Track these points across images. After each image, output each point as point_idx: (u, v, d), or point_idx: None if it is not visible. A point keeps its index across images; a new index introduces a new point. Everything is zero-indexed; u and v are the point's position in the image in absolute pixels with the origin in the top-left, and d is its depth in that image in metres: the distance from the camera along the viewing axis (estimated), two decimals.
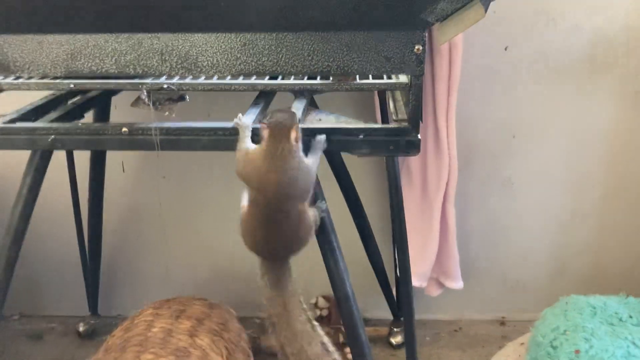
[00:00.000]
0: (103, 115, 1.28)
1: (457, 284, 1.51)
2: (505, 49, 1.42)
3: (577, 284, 1.62)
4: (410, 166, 1.43)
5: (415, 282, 1.46)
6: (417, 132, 0.82)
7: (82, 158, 1.47)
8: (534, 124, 1.48)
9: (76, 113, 1.01)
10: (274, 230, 0.83)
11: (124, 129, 0.85)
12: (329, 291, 1.67)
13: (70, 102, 1.03)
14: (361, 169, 1.52)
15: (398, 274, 1.50)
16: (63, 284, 1.70)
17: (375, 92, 1.34)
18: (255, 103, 0.98)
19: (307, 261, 1.62)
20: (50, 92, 1.07)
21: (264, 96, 1.03)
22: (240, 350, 1.34)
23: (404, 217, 1.02)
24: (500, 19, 1.39)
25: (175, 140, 0.84)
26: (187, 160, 1.55)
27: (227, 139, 0.85)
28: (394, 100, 0.97)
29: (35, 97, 1.03)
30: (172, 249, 1.65)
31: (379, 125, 0.84)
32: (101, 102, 1.20)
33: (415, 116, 0.82)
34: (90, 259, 1.54)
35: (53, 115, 0.96)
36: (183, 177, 1.58)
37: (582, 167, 1.52)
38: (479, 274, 1.64)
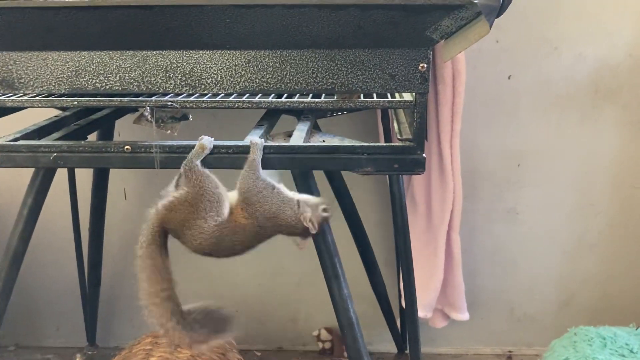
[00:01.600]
0: (107, 138, 1.28)
1: (462, 315, 1.48)
2: (509, 77, 1.43)
3: (585, 315, 1.58)
4: (414, 194, 1.42)
5: (420, 312, 1.42)
6: (422, 151, 0.81)
7: (84, 185, 1.47)
8: (538, 152, 1.48)
9: (79, 134, 1.00)
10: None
11: (127, 147, 0.84)
12: (332, 323, 1.65)
13: (74, 124, 1.03)
14: (364, 197, 1.51)
15: (403, 304, 1.47)
16: (61, 314, 1.67)
17: (379, 116, 1.34)
18: (258, 124, 0.98)
19: (309, 291, 1.61)
20: (54, 113, 1.07)
21: (268, 118, 1.03)
22: None
23: (409, 238, 1.01)
24: (503, 48, 1.40)
25: (178, 158, 0.83)
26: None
27: (229, 157, 0.84)
28: (399, 122, 0.96)
29: (39, 118, 1.03)
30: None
31: (383, 144, 0.83)
32: (105, 125, 1.20)
33: (420, 134, 0.81)
34: (89, 287, 1.52)
35: (56, 135, 0.96)
36: None
37: (588, 196, 1.50)
38: (484, 305, 1.61)
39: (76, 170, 1.43)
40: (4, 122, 1.03)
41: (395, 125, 0.94)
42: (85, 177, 1.46)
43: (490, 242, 1.56)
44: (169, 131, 0.85)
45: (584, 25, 1.39)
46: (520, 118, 1.46)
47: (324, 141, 0.97)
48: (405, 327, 1.55)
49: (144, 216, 1.55)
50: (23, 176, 1.31)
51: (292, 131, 1.00)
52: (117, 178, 1.51)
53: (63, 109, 1.08)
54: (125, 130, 1.44)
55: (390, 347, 1.60)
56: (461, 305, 1.47)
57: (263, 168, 0.85)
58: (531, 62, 1.41)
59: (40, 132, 0.97)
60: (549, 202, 1.51)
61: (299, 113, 1.05)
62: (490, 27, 0.70)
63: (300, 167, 0.86)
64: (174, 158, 0.83)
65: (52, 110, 1.09)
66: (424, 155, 0.81)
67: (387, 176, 1.35)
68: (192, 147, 0.84)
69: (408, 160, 0.82)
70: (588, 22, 1.38)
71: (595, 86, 1.42)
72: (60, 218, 1.53)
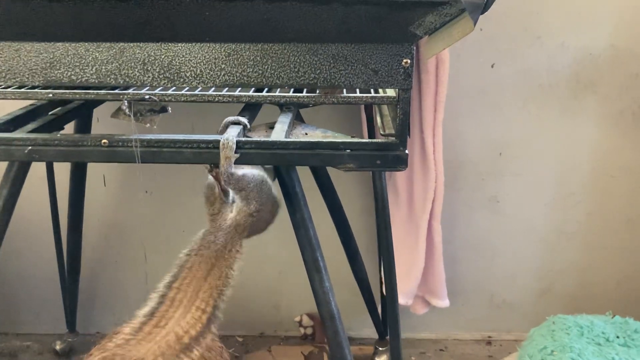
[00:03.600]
0: (84, 127, 1.25)
1: (443, 302, 1.49)
2: (492, 66, 1.42)
3: (563, 303, 1.61)
4: (396, 183, 1.42)
5: (401, 300, 1.44)
6: (405, 147, 0.81)
7: (63, 171, 1.44)
8: (520, 141, 1.48)
9: (56, 124, 0.98)
10: None
11: (104, 141, 0.82)
12: (314, 309, 1.66)
13: (50, 113, 1.00)
14: (347, 185, 1.51)
15: (384, 291, 1.48)
16: (39, 301, 1.65)
17: (362, 107, 1.33)
18: (240, 116, 0.96)
19: (291, 279, 1.61)
20: (30, 102, 1.04)
21: (249, 109, 1.02)
22: None
23: (390, 234, 1.01)
24: (487, 36, 1.39)
25: (157, 153, 0.82)
26: (171, 175, 1.52)
27: (210, 152, 0.83)
28: (381, 115, 0.95)
29: (13, 107, 1.00)
30: (152, 266, 1.62)
31: (366, 140, 0.82)
32: (82, 114, 1.18)
33: (403, 131, 0.80)
34: (69, 275, 1.50)
35: (32, 126, 0.94)
36: (166, 192, 1.55)
37: (568, 186, 1.52)
38: (465, 292, 1.63)
39: None
40: None
41: (378, 119, 0.93)
42: (63, 163, 1.44)
43: (470, 230, 1.57)
44: (148, 124, 0.83)
45: (567, 15, 1.38)
46: (503, 107, 1.46)
47: (306, 134, 0.96)
48: (386, 313, 1.57)
49: (123, 204, 1.54)
50: None
51: (274, 123, 0.99)
52: (96, 164, 1.49)
53: None
54: (104, 117, 1.41)
55: (371, 333, 1.61)
56: (442, 293, 1.48)
57: (243, 163, 0.84)
58: (514, 51, 1.41)
59: (15, 122, 0.94)
60: (530, 191, 1.52)
61: (281, 103, 1.04)
62: (475, 25, 0.69)
63: (282, 162, 0.85)
64: (153, 152, 0.82)
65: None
66: (407, 152, 0.81)
67: None
68: (171, 141, 0.83)
69: (390, 156, 0.81)
70: (571, 12, 1.38)
71: (576, 76, 1.42)
72: (37, 205, 1.51)
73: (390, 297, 1.03)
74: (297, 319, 1.66)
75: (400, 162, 0.81)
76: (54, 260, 1.51)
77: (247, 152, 0.83)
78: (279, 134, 0.89)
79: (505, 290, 1.62)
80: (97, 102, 1.12)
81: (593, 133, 1.47)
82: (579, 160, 1.49)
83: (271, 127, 0.99)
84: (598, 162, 1.49)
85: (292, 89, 0.89)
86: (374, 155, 0.82)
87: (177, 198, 1.55)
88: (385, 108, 1.00)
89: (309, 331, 1.65)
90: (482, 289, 1.62)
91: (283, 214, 0.99)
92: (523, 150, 1.49)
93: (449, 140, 1.42)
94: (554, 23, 1.38)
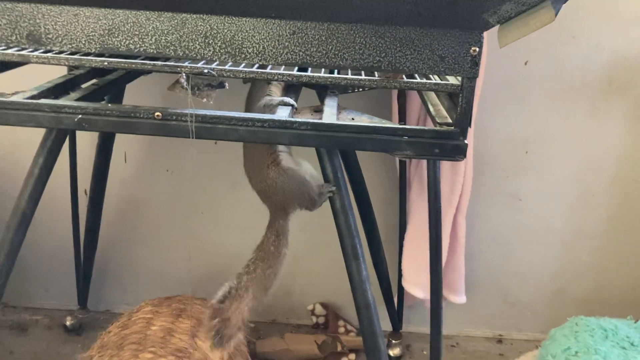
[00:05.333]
0: (116, 99, 1.23)
1: (460, 298, 1.49)
2: (526, 63, 1.41)
3: (576, 305, 1.61)
4: (422, 175, 1.40)
5: (419, 293, 1.43)
6: (465, 137, 0.79)
7: (82, 145, 1.42)
8: (546, 140, 1.48)
9: (98, 95, 0.96)
10: None
11: (157, 114, 0.80)
12: (327, 298, 1.65)
13: (91, 83, 0.98)
14: (372, 177, 1.49)
15: (403, 284, 1.47)
16: (50, 275, 1.63)
17: (394, 94, 1.31)
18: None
19: (306, 265, 1.60)
20: (68, 70, 1.02)
21: (293, 90, 1.00)
22: (240, 354, 1.30)
23: (440, 227, 1.00)
24: None
25: (212, 129, 0.80)
26: (193, 155, 1.50)
27: (265, 131, 0.81)
28: (432, 104, 0.94)
29: (46, 75, 0.97)
30: (167, 246, 1.60)
31: (425, 127, 0.81)
32: (119, 86, 1.15)
33: (464, 120, 0.79)
34: (85, 251, 1.48)
35: (74, 95, 0.91)
36: (188, 172, 1.53)
37: (590, 188, 1.51)
38: (478, 289, 1.62)
39: None
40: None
41: (430, 107, 0.92)
42: (84, 136, 1.41)
43: (489, 226, 1.56)
44: (205, 99, 0.81)
45: (604, 16, 1.37)
46: (532, 105, 1.45)
47: (352, 119, 0.94)
48: (402, 306, 1.56)
49: (142, 181, 1.52)
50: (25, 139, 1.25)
51: (319, 106, 0.97)
52: (118, 140, 1.46)
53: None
54: (129, 90, 1.39)
55: (383, 325, 1.59)
56: (460, 289, 1.48)
57: (298, 145, 0.83)
58: (549, 49, 1.40)
59: (56, 90, 0.92)
60: (552, 190, 1.52)
61: (322, 87, 1.02)
62: (556, 15, 0.67)
63: (337, 145, 0.84)
64: (208, 128, 0.80)
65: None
66: (466, 142, 0.80)
67: (397, 158, 1.34)
68: (226, 117, 0.81)
69: (449, 146, 0.80)
70: (608, 13, 1.37)
71: (609, 78, 1.42)
72: (56, 177, 1.47)
73: (435, 292, 1.02)
74: (310, 307, 1.65)
75: (459, 152, 0.80)
76: (67, 234, 1.49)
77: (302, 134, 0.82)
78: (330, 117, 0.87)
79: (519, 289, 1.62)
80: (134, 76, 1.10)
81: (620, 137, 1.47)
82: (604, 163, 1.49)
83: (316, 110, 0.97)
84: (623, 166, 1.49)
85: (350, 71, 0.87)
86: (433, 143, 0.80)
87: (198, 179, 1.53)
88: (433, 96, 0.98)
89: (321, 320, 1.64)
90: (496, 286, 1.62)
91: None
92: (548, 149, 1.48)
93: (475, 135, 1.41)
94: (590, 23, 1.38)
